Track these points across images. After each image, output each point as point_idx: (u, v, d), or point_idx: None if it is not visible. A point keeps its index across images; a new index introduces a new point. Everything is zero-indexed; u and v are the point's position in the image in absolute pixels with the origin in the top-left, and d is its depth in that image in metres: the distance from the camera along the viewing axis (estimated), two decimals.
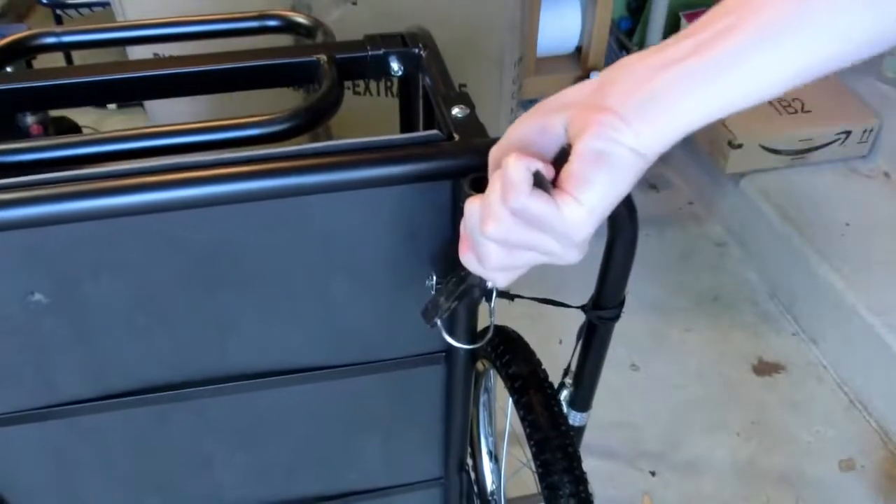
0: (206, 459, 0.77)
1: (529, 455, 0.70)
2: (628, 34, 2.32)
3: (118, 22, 0.87)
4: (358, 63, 0.71)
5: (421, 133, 0.55)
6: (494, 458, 1.03)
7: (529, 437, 0.66)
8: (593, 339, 0.76)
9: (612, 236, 0.64)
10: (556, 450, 0.62)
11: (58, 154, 0.56)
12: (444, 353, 0.69)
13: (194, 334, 0.62)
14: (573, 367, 0.80)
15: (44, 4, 2.22)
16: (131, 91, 0.70)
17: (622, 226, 0.61)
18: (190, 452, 0.76)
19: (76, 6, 2.21)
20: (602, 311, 0.70)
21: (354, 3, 1.58)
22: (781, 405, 1.54)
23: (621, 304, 0.70)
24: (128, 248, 0.54)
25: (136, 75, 0.68)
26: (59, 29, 0.83)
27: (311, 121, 0.60)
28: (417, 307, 0.53)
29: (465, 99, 0.59)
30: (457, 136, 0.55)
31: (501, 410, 0.88)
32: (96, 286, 0.56)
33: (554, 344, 1.62)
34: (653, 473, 1.41)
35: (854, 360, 1.56)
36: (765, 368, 1.62)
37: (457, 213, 0.56)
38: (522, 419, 0.70)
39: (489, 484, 1.04)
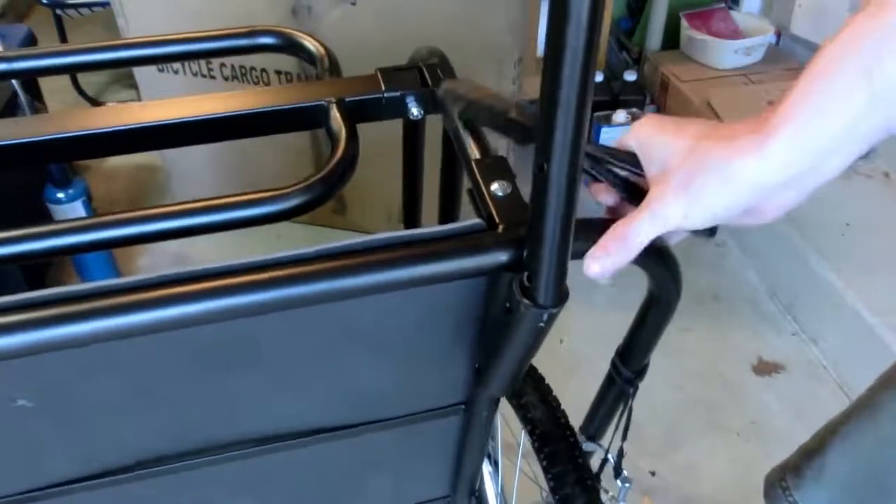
0: None
1: (536, 468, 0.70)
2: (628, 34, 2.32)
3: (91, 43, 0.76)
4: (372, 105, 0.64)
5: (462, 223, 0.49)
6: (495, 464, 1.04)
7: (538, 451, 0.66)
8: (611, 390, 0.73)
9: (650, 299, 0.59)
10: (566, 462, 0.62)
11: (47, 244, 0.48)
12: (463, 405, 0.65)
13: (200, 412, 0.56)
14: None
15: (44, 4, 2.21)
16: (126, 143, 0.63)
17: (664, 288, 0.56)
18: None
19: (76, 6, 2.20)
20: (624, 370, 0.68)
21: (353, 3, 1.58)
22: (781, 405, 1.54)
23: (643, 370, 0.69)
24: (125, 353, 0.48)
25: (131, 127, 0.62)
26: (10, 53, 0.70)
27: (325, 193, 0.54)
28: (441, 368, 0.50)
29: (502, 167, 0.52)
30: (499, 222, 0.49)
31: (503, 417, 0.88)
32: (88, 387, 0.50)
33: (555, 344, 1.63)
34: (653, 473, 1.41)
35: (854, 360, 1.57)
36: (765, 368, 1.63)
37: (494, 302, 0.51)
38: (530, 433, 0.69)
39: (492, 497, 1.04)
